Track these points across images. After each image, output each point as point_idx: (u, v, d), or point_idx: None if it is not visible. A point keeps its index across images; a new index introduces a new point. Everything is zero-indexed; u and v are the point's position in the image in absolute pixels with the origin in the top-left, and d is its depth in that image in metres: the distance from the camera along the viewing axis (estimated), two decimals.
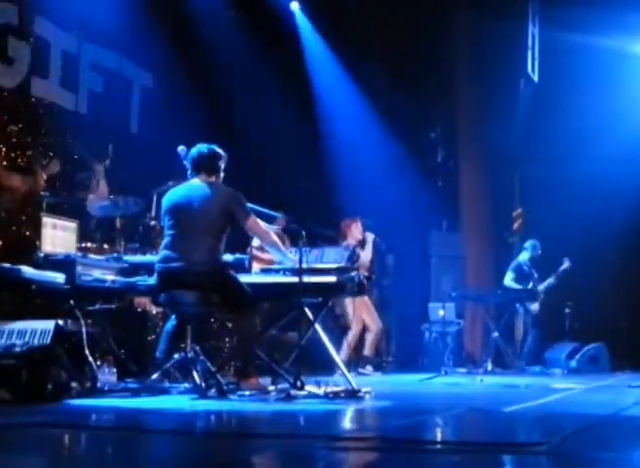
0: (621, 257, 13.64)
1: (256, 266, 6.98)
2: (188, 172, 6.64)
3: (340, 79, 13.28)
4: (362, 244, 10.15)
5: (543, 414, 5.60)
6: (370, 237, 10.31)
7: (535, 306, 12.05)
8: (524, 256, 12.37)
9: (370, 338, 10.41)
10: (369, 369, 10.40)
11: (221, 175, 6.64)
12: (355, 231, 10.23)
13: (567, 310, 13.02)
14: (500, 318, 11.93)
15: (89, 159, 9.09)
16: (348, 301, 10.05)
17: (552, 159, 13.52)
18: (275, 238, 6.74)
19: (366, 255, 10.03)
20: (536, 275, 12.17)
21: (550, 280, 12.18)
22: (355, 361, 10.39)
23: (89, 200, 8.51)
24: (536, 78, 12.55)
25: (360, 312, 10.18)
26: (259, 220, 6.59)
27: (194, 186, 6.55)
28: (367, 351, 10.41)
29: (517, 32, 12.40)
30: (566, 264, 12.21)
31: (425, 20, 12.71)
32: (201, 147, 6.62)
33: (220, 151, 6.64)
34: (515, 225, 14.24)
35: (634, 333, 13.47)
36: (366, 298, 10.10)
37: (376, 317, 10.46)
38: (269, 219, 7.25)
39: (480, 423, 5.24)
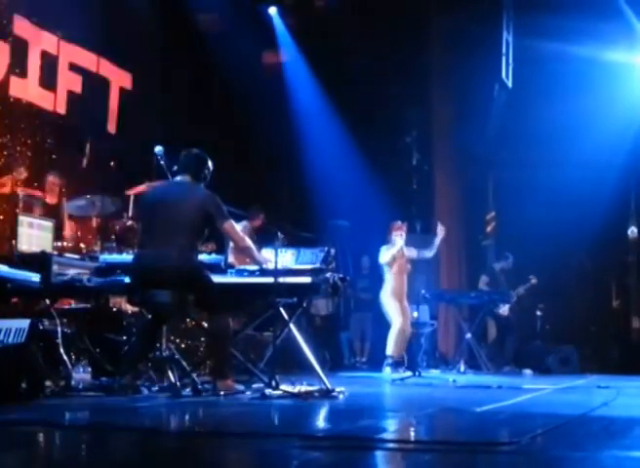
0: (592, 262, 13.77)
1: (239, 265, 7.02)
2: (172, 170, 6.66)
3: (317, 85, 13.34)
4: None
5: (514, 414, 5.65)
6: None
7: (504, 309, 12.17)
8: (498, 264, 12.56)
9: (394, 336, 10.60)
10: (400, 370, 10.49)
11: (203, 183, 6.58)
12: (405, 235, 10.99)
13: (538, 312, 13.16)
14: (473, 319, 12.03)
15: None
16: (387, 299, 10.59)
17: (525, 163, 13.64)
18: (250, 243, 6.70)
19: (412, 253, 11.01)
20: (505, 284, 12.35)
21: (520, 290, 12.33)
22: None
23: None
24: (510, 84, 12.63)
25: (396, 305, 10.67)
26: (235, 225, 6.61)
27: (172, 186, 6.58)
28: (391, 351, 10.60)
29: (492, 39, 12.47)
30: (533, 281, 12.36)
31: (400, 26, 12.77)
32: (191, 150, 6.61)
33: (208, 159, 6.59)
34: (488, 228, 14.37)
35: (603, 336, 13.64)
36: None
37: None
38: (237, 217, 7.26)
39: (452, 423, 5.30)
